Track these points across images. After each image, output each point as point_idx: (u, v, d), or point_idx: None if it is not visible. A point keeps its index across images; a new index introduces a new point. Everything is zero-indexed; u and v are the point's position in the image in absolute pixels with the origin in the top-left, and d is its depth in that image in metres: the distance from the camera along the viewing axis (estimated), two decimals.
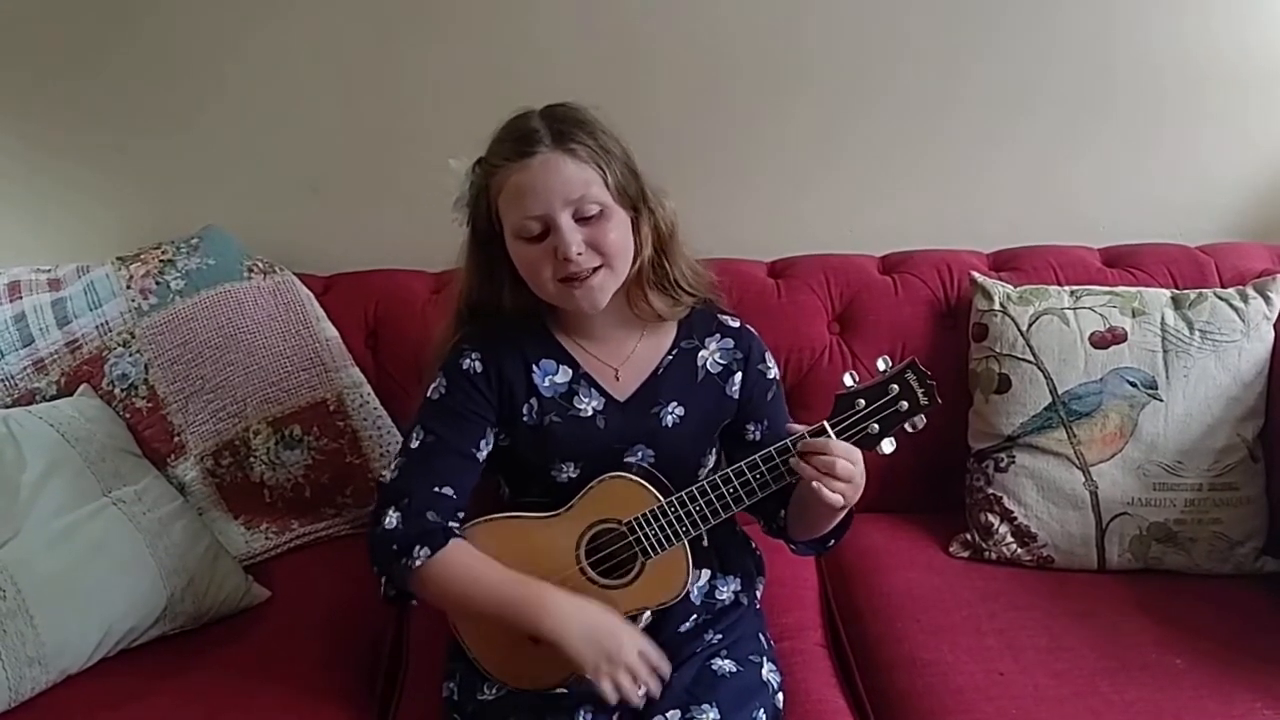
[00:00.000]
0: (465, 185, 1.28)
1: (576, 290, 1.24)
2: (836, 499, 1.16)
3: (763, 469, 1.22)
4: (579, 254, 1.21)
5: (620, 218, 1.25)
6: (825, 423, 1.19)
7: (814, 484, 1.17)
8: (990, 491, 1.64)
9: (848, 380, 1.20)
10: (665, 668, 1.21)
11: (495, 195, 1.24)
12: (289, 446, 1.67)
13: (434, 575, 1.22)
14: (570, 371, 1.32)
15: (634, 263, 1.29)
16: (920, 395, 1.18)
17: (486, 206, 1.26)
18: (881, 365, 1.20)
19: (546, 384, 1.31)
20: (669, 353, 1.35)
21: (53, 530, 1.42)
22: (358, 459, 1.69)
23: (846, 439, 1.18)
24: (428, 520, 1.23)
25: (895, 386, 1.18)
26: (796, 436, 1.20)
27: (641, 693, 1.19)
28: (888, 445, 1.19)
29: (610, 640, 1.18)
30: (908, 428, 1.20)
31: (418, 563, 1.21)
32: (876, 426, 1.19)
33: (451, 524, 1.25)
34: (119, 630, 1.43)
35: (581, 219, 1.22)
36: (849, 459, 1.17)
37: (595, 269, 1.23)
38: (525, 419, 1.31)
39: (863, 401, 1.18)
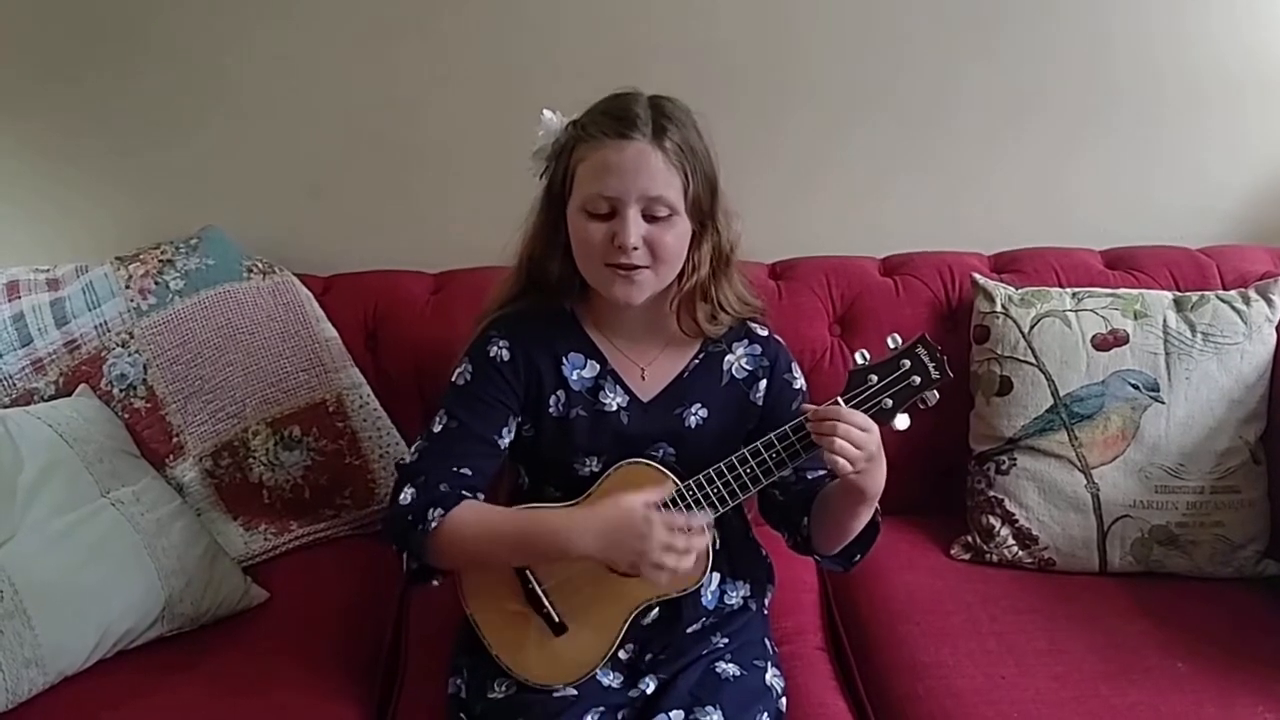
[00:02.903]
0: (549, 140, 1.28)
1: (618, 280, 1.24)
2: (844, 465, 1.15)
3: (778, 447, 1.22)
4: (635, 248, 1.21)
5: (684, 227, 1.26)
6: (839, 397, 1.19)
7: (824, 454, 1.16)
8: (991, 494, 1.63)
9: (858, 358, 1.21)
10: (699, 523, 1.19)
11: (577, 162, 1.25)
12: (288, 447, 1.66)
13: (449, 532, 1.22)
14: (598, 366, 1.33)
15: (687, 277, 1.29)
16: (932, 369, 1.19)
17: (565, 168, 1.26)
18: (891, 343, 1.20)
19: (575, 377, 1.31)
20: (695, 356, 1.36)
21: (50, 531, 1.42)
22: (357, 460, 1.68)
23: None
24: (440, 489, 1.24)
25: (907, 361, 1.19)
26: (810, 412, 1.20)
27: (691, 559, 1.18)
28: (901, 421, 1.20)
29: (632, 535, 1.17)
30: (920, 403, 1.20)
31: (434, 524, 1.21)
32: (890, 401, 1.19)
33: (465, 493, 1.25)
34: (117, 631, 1.42)
35: (649, 216, 1.23)
36: (861, 427, 1.16)
37: (642, 267, 1.24)
38: (552, 410, 1.31)
39: (875, 377, 1.19)
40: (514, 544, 1.25)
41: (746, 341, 1.38)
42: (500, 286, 1.37)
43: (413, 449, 1.30)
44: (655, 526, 1.16)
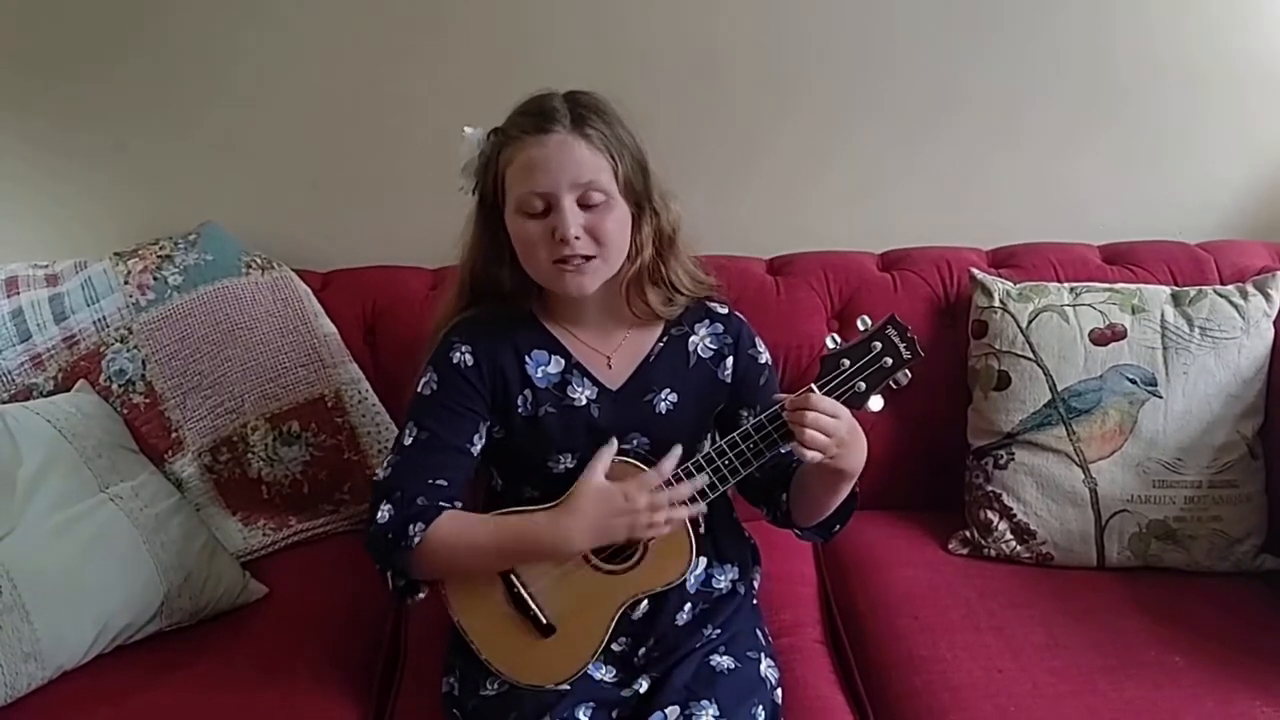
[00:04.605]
0: (476, 152, 1.28)
1: (568, 273, 1.24)
2: (813, 455, 1.16)
3: (755, 438, 1.22)
4: (576, 237, 1.21)
5: (622, 210, 1.26)
6: (813, 384, 1.19)
7: (796, 442, 1.17)
8: (989, 489, 1.63)
9: (830, 343, 1.21)
10: (682, 489, 1.21)
11: (505, 166, 1.25)
12: (287, 443, 1.66)
13: (432, 547, 1.21)
14: (562, 361, 1.32)
15: (633, 261, 1.29)
16: (902, 350, 1.19)
17: (494, 176, 1.27)
18: (861, 325, 1.21)
19: (540, 374, 1.31)
20: (659, 340, 1.36)
21: (49, 526, 1.42)
22: (355, 455, 1.68)
23: (835, 399, 1.19)
24: (418, 503, 1.23)
25: (878, 343, 1.19)
26: (785, 401, 1.20)
27: (687, 512, 1.21)
28: (875, 403, 1.20)
29: (616, 513, 1.19)
30: (892, 384, 1.20)
31: (416, 539, 1.21)
32: (864, 384, 1.19)
33: (443, 504, 1.25)
34: (115, 626, 1.42)
35: (585, 205, 1.23)
36: (831, 413, 1.16)
37: (589, 257, 1.24)
38: (520, 410, 1.31)
39: (847, 361, 1.19)
40: (499, 554, 1.25)
41: (708, 321, 1.38)
42: (444, 306, 1.37)
43: (385, 464, 1.29)
44: (635, 495, 1.18)
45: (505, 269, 1.30)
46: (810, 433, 1.15)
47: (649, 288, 1.32)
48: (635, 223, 1.28)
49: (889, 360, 1.19)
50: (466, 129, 1.28)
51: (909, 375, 1.20)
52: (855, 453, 1.21)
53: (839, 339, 1.21)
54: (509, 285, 1.31)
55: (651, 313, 1.33)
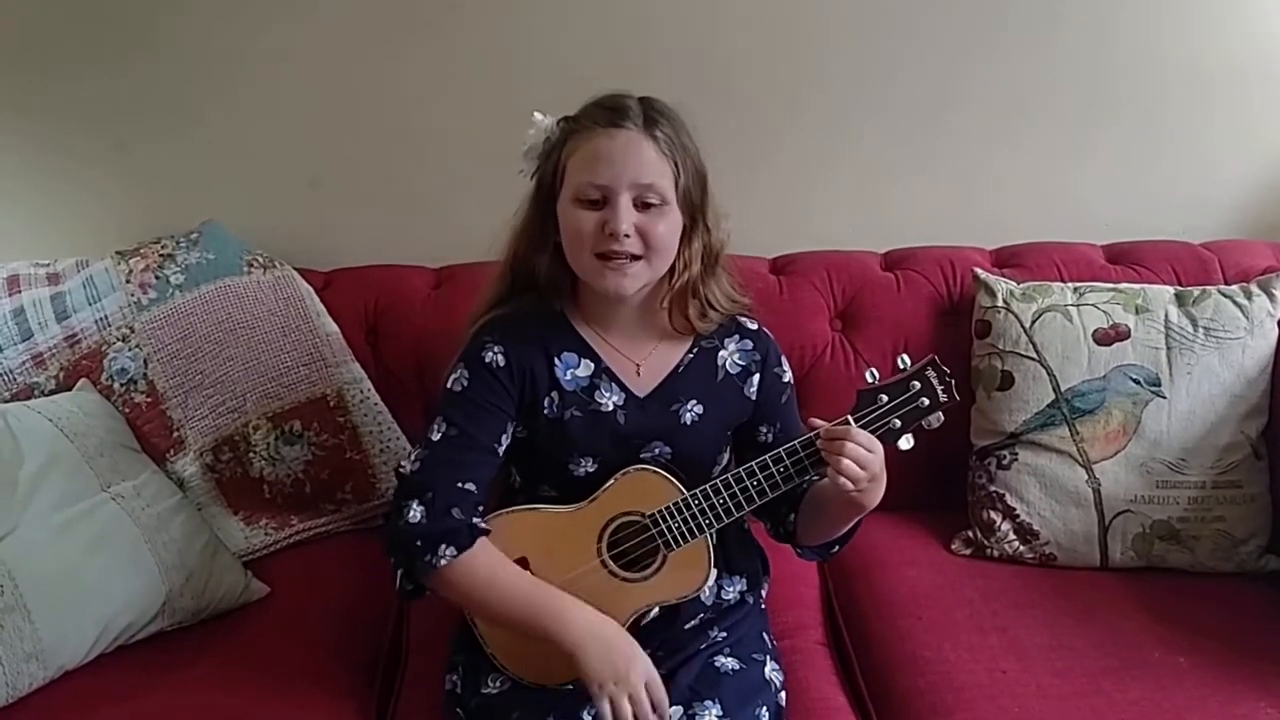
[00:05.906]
0: (541, 138, 1.28)
1: (609, 270, 1.24)
2: (848, 485, 1.17)
3: (787, 462, 1.23)
4: (626, 235, 1.22)
5: (675, 217, 1.26)
6: (849, 416, 1.20)
7: (830, 471, 1.18)
8: (993, 489, 1.63)
9: (868, 377, 1.22)
10: (666, 708, 1.19)
11: (569, 155, 1.25)
12: (289, 442, 1.66)
13: (457, 576, 1.21)
14: (592, 365, 1.32)
15: (678, 273, 1.29)
16: (940, 392, 1.21)
17: (555, 163, 1.27)
18: (901, 364, 1.22)
19: (568, 377, 1.31)
20: (689, 351, 1.35)
21: (51, 525, 1.41)
22: (358, 455, 1.68)
23: (870, 433, 1.20)
24: (452, 518, 1.22)
25: (917, 383, 1.21)
26: (820, 430, 1.21)
27: None
28: (905, 442, 1.21)
29: (622, 661, 1.18)
30: (924, 425, 1.21)
31: (443, 562, 1.20)
32: (898, 422, 1.21)
33: (475, 520, 1.24)
34: (117, 626, 1.42)
35: (640, 206, 1.23)
36: (867, 447, 1.17)
37: (635, 257, 1.24)
38: (546, 412, 1.30)
39: (885, 397, 1.20)
40: (514, 611, 1.23)
41: (738, 337, 1.38)
42: (489, 287, 1.36)
43: (413, 457, 1.28)
44: (642, 673, 1.17)
45: (545, 257, 1.30)
46: (847, 463, 1.16)
47: (691, 305, 1.32)
48: (686, 236, 1.28)
49: (925, 401, 1.21)
50: (536, 114, 1.29)
51: (942, 419, 1.22)
52: (877, 490, 1.22)
53: (877, 374, 1.22)
54: (544, 276, 1.31)
55: (690, 327, 1.33)
